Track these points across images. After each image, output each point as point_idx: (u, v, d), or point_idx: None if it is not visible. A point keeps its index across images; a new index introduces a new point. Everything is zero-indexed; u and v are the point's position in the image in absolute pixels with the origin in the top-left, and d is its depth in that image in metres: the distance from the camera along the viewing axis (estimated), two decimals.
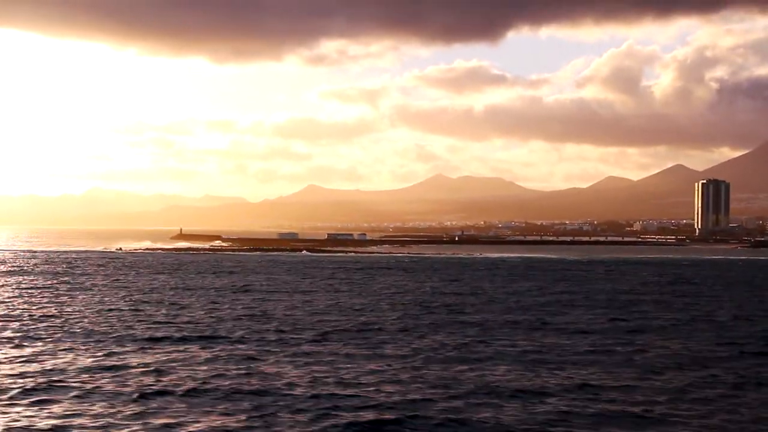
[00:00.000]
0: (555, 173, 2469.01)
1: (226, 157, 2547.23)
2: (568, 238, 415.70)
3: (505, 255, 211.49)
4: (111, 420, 29.05)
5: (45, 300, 73.73)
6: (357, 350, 44.93)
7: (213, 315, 61.95)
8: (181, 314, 62.28)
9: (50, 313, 62.15)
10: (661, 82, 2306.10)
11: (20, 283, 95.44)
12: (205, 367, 39.09)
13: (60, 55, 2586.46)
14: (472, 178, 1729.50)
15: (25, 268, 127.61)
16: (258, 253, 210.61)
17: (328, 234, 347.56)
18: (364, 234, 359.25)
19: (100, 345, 46.28)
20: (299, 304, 70.99)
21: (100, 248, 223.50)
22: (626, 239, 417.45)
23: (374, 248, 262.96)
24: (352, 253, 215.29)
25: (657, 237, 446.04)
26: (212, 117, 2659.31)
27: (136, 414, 29.88)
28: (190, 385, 34.77)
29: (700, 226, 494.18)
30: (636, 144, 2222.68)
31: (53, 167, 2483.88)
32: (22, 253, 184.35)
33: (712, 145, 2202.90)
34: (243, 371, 38.22)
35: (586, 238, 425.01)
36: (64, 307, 67.02)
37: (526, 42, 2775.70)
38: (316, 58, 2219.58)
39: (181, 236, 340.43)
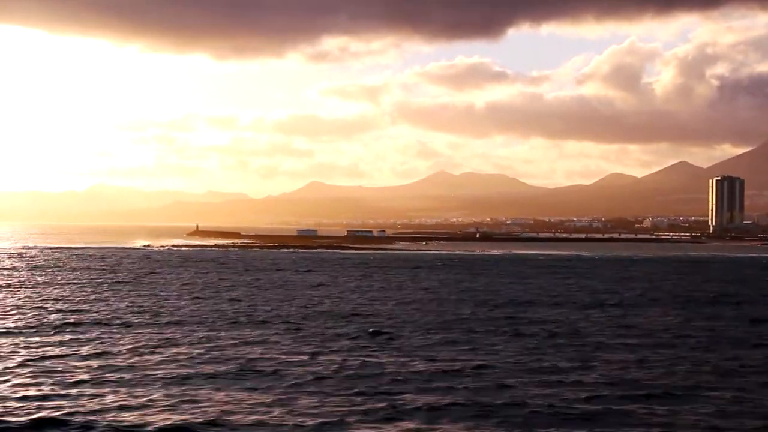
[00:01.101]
0: (556, 170, 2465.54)
1: (228, 153, 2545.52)
2: (582, 235, 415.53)
3: (536, 252, 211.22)
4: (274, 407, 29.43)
5: (131, 296, 73.83)
6: (460, 346, 45.41)
7: (295, 311, 62.16)
8: (271, 310, 62.43)
9: (149, 309, 62.56)
10: (662, 79, 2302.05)
11: (85, 279, 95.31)
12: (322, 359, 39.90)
13: (62, 51, 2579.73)
14: (475, 175, 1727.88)
15: (73, 264, 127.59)
16: (285, 250, 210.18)
17: (347, 231, 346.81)
18: (384, 231, 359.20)
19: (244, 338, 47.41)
20: (367, 302, 71.36)
21: (124, 245, 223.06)
22: (640, 236, 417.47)
23: (397, 245, 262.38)
24: (380, 251, 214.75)
25: (671, 234, 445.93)
26: (214, 114, 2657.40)
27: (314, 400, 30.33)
28: (328, 379, 35.49)
29: (714, 223, 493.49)
30: (637, 141, 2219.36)
31: (56, 163, 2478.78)
32: (50, 250, 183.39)
33: (713, 142, 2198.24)
34: (367, 364, 39.10)
35: (599, 235, 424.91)
36: (161, 303, 67.30)
37: (527, 39, 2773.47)
38: (318, 55, 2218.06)
39: (197, 233, 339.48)
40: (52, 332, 49.23)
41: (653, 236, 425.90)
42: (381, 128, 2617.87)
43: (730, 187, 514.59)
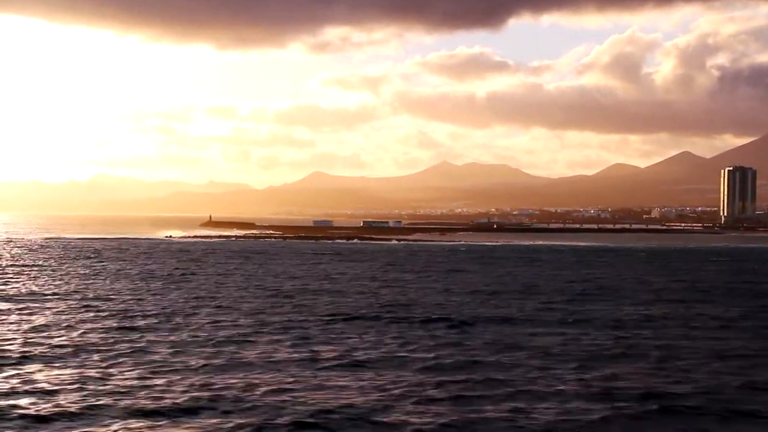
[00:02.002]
0: (558, 160, 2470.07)
1: (229, 143, 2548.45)
2: (594, 226, 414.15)
3: (559, 243, 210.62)
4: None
5: (193, 287, 73.67)
6: (546, 336, 45.69)
7: (366, 303, 62.38)
8: (331, 302, 62.47)
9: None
10: (663, 70, 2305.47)
11: (138, 271, 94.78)
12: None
13: (63, 41, 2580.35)
14: (477, 165, 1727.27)
15: (112, 256, 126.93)
16: (311, 240, 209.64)
17: (363, 221, 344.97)
18: (399, 221, 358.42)
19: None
20: (425, 293, 71.02)
21: (149, 235, 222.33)
22: (651, 227, 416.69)
23: (417, 236, 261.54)
24: (403, 241, 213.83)
25: (683, 224, 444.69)
26: (215, 104, 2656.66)
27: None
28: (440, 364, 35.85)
29: (726, 214, 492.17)
30: (637, 131, 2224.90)
31: (57, 154, 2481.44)
32: (80, 241, 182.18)
33: (714, 132, 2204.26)
34: (461, 354, 39.68)
35: (611, 226, 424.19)
36: (225, 294, 67.02)
37: (527, 29, 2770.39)
38: (320, 45, 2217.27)
39: (211, 223, 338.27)
40: (137, 324, 49.11)
41: (665, 227, 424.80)
42: (381, 118, 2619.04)
43: (742, 177, 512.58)
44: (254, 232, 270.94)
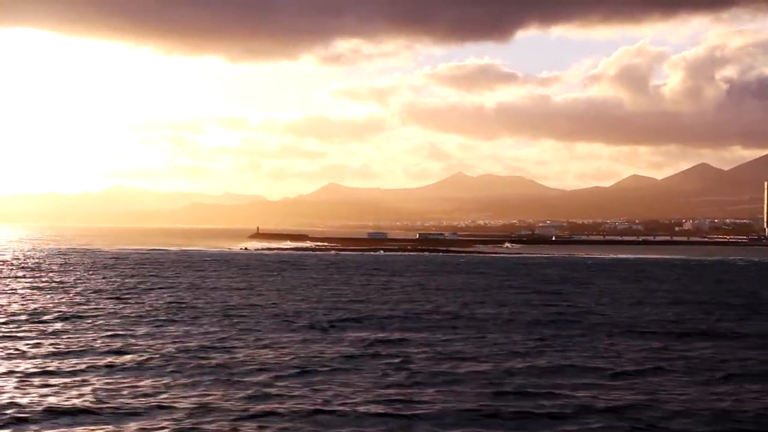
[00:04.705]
0: (569, 171, 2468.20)
1: (239, 154, 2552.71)
2: (638, 238, 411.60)
3: (636, 256, 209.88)
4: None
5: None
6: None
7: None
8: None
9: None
10: (671, 81, 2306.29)
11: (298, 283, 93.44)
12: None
13: (77, 54, 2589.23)
14: (492, 177, 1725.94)
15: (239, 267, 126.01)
16: (383, 252, 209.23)
17: (419, 234, 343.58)
18: (455, 233, 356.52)
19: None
20: (568, 305, 70.75)
21: (223, 248, 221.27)
22: (692, 239, 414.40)
23: (484, 248, 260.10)
24: (473, 254, 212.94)
25: (728, 237, 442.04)
26: (226, 115, 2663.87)
27: None
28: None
29: None
30: (646, 142, 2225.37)
31: (71, 165, 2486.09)
32: (160, 251, 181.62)
33: (723, 143, 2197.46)
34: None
35: (651, 238, 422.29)
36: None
37: (536, 40, 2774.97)
38: (331, 57, 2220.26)
39: (259, 235, 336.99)
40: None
41: (707, 239, 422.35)
42: (390, 130, 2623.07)
43: None
44: (318, 244, 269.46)
